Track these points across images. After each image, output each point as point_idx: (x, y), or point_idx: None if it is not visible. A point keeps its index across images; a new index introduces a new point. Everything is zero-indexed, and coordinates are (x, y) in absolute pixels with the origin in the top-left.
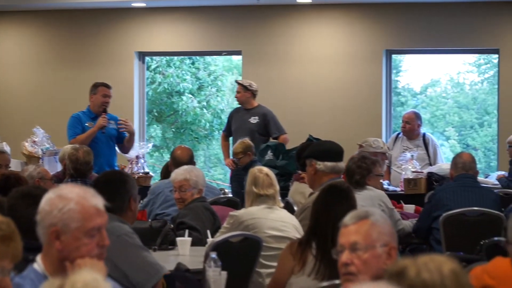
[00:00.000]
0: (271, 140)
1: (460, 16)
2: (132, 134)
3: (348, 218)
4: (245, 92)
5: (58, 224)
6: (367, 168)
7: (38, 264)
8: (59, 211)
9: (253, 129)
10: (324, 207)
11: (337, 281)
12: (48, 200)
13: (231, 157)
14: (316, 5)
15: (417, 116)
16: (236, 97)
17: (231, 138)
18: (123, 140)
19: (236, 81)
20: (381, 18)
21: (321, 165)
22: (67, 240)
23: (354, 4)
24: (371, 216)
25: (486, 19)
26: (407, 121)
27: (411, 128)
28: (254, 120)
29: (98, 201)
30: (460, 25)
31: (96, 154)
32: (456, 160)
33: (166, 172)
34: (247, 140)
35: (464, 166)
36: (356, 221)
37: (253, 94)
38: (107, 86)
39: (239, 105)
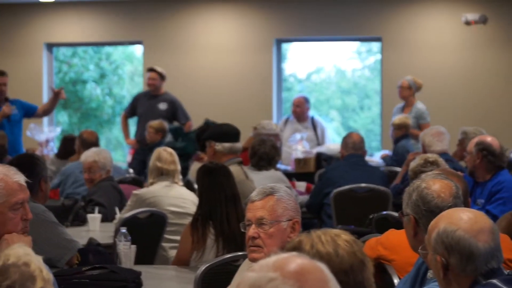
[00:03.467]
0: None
1: (345, 6)
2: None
3: (255, 194)
4: (160, 79)
5: None
6: (265, 151)
7: None
8: None
9: (162, 114)
10: (208, 188)
11: (239, 253)
12: None
13: (132, 137)
14: None
15: (306, 100)
16: (150, 84)
17: (132, 120)
18: (35, 112)
19: (152, 68)
20: (270, 9)
21: (219, 146)
22: None
23: None
24: (277, 192)
25: (370, 9)
26: (298, 105)
27: (301, 111)
28: (163, 106)
29: (20, 177)
30: (345, 14)
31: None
32: (347, 140)
33: (63, 152)
34: (164, 122)
35: (354, 146)
36: (262, 197)
37: (163, 81)
38: (1, 74)
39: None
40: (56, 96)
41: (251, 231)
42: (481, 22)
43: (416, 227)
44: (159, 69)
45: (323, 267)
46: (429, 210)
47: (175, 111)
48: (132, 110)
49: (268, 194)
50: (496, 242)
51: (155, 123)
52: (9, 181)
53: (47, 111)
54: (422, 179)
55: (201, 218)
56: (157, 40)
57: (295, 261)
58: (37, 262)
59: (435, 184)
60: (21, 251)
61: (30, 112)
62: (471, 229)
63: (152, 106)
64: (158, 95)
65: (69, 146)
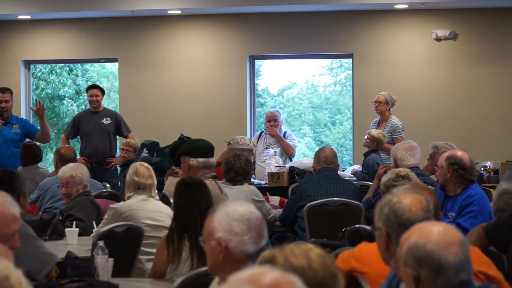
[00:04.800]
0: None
1: (317, 24)
2: (42, 118)
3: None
4: (102, 96)
5: None
6: (241, 166)
7: None
8: None
9: (108, 129)
10: (183, 202)
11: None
12: None
13: (78, 156)
14: (185, 15)
15: (279, 114)
16: (93, 100)
17: (73, 140)
18: (35, 134)
19: (94, 86)
20: (244, 26)
21: (194, 161)
22: None
23: (219, 15)
24: (216, 212)
25: (341, 27)
26: (275, 119)
27: (277, 126)
28: (107, 121)
29: (15, 209)
30: (317, 32)
31: None
32: (319, 155)
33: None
34: (137, 141)
35: (326, 160)
36: (208, 215)
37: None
38: (2, 91)
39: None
40: (37, 113)
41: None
42: (451, 38)
43: (387, 241)
44: (100, 86)
45: (296, 280)
46: (401, 224)
47: (118, 125)
48: (75, 130)
49: (211, 212)
50: (465, 255)
51: (132, 142)
52: (4, 213)
53: (43, 133)
54: (393, 194)
55: (177, 231)
56: (132, 57)
57: (269, 274)
58: (16, 275)
59: (406, 199)
60: (0, 264)
61: (31, 133)
62: (441, 242)
63: (96, 122)
64: (100, 112)
65: (30, 153)
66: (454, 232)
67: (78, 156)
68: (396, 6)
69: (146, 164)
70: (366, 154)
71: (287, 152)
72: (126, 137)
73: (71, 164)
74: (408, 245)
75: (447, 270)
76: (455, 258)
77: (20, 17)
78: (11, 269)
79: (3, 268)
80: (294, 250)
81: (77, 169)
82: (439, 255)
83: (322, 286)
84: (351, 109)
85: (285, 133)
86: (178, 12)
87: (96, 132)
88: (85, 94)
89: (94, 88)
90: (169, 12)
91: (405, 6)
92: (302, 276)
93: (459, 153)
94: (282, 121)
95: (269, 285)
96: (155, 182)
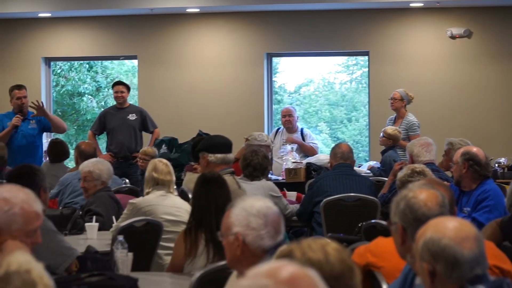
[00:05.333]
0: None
1: (333, 22)
2: (45, 115)
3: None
4: (127, 92)
5: (1, 223)
6: (258, 162)
7: None
8: (4, 213)
9: (133, 125)
10: (200, 196)
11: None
12: None
13: (103, 152)
14: (204, 13)
15: (294, 109)
16: (121, 96)
17: (100, 136)
18: (50, 129)
19: (119, 82)
20: (261, 24)
21: (212, 157)
22: (5, 236)
23: (238, 13)
24: (233, 207)
25: (357, 25)
26: (289, 114)
27: (293, 120)
28: (132, 117)
29: (38, 206)
30: (333, 30)
31: (13, 151)
32: (336, 151)
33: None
34: (155, 149)
35: (342, 155)
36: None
37: (128, 94)
38: (19, 88)
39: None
40: (39, 113)
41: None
42: (465, 36)
43: (403, 235)
44: (125, 82)
45: (314, 273)
46: (416, 218)
47: (144, 120)
48: (101, 126)
49: (229, 208)
50: (480, 249)
51: (148, 150)
52: (28, 210)
53: (54, 126)
54: (409, 189)
55: (194, 225)
56: (152, 54)
57: (287, 268)
58: (38, 269)
59: (422, 194)
60: (22, 258)
61: (47, 127)
62: (456, 237)
63: (122, 118)
64: (125, 108)
65: (56, 149)
66: (469, 227)
67: (104, 152)
68: (412, 5)
69: (164, 161)
70: (383, 152)
71: (311, 154)
72: (152, 132)
73: (93, 160)
74: (423, 240)
75: (462, 264)
76: (470, 253)
77: (40, 14)
78: (32, 263)
79: (25, 262)
80: (311, 245)
81: (97, 165)
82: (455, 250)
83: (339, 280)
84: (366, 106)
85: (302, 130)
86: (197, 10)
87: (121, 128)
88: (105, 91)
89: (119, 84)
90: (187, 10)
91: (421, 5)
92: (319, 270)
93: (474, 149)
94: (297, 116)
95: (287, 279)
96: (174, 178)
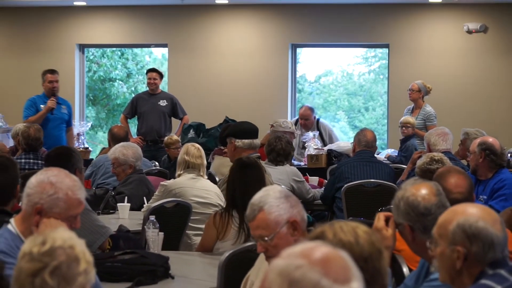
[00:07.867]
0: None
1: (355, 15)
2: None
3: (248, 213)
4: (160, 79)
5: (44, 205)
6: (282, 147)
7: (12, 226)
8: (48, 196)
9: (164, 111)
10: (236, 180)
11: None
12: (41, 182)
13: (134, 135)
14: (232, 5)
15: (312, 110)
16: (152, 83)
17: (131, 120)
18: (71, 123)
19: (153, 69)
20: (287, 16)
21: (239, 142)
22: (46, 217)
23: (264, 5)
24: (265, 204)
25: (378, 19)
26: (307, 118)
27: (310, 123)
28: (163, 103)
29: (82, 194)
30: (355, 23)
31: (46, 135)
32: (360, 137)
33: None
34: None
35: (367, 144)
36: (254, 217)
37: (161, 80)
38: (51, 72)
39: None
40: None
41: (259, 247)
42: (481, 31)
43: (412, 233)
44: (158, 70)
45: (345, 255)
46: (419, 213)
47: (174, 107)
48: (133, 110)
49: (257, 211)
50: (505, 232)
51: (173, 138)
52: (72, 197)
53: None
54: (403, 189)
55: (227, 209)
56: (181, 43)
57: (320, 249)
58: (80, 245)
59: (417, 190)
60: (66, 234)
61: (70, 119)
62: (490, 219)
63: (153, 104)
64: (157, 94)
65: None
66: (493, 212)
67: (134, 136)
68: (431, 0)
69: (197, 145)
70: (405, 140)
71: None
72: (181, 119)
73: (118, 145)
74: (457, 224)
75: (496, 245)
76: (502, 234)
77: (76, 3)
78: (75, 239)
79: (69, 238)
80: (342, 227)
81: (121, 151)
82: (491, 231)
83: (368, 261)
84: (383, 96)
85: (318, 120)
86: (226, 1)
87: (152, 113)
88: (135, 77)
89: (153, 71)
90: (217, 1)
91: (439, 0)
92: (349, 251)
93: (490, 139)
94: (314, 117)
95: (320, 259)
96: (205, 162)
